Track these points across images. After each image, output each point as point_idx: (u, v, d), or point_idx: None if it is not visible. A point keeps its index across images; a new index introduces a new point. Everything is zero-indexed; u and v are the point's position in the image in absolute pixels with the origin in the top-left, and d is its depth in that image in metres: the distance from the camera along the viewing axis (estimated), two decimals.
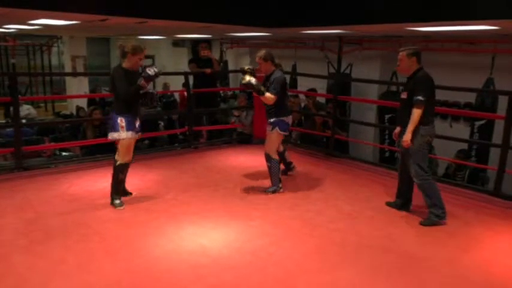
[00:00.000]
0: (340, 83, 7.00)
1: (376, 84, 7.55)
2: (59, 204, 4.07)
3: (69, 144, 6.37)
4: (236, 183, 4.86)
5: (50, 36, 13.40)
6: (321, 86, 7.89)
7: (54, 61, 14.99)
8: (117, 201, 4.02)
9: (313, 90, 7.55)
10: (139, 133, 4.10)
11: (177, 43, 13.21)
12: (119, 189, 4.07)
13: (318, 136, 6.65)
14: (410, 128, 3.69)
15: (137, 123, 4.03)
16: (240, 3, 5.63)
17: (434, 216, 3.81)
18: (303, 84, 8.41)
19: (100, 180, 4.72)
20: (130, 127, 3.91)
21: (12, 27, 9.04)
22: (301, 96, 8.01)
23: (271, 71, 4.53)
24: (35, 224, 3.60)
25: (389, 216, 4.03)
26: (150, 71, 3.86)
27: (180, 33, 9.49)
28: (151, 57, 14.00)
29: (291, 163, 5.25)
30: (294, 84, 8.75)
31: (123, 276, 2.86)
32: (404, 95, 3.84)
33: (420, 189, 3.86)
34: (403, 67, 3.84)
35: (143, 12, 5.20)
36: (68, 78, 13.25)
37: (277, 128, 4.48)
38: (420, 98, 3.62)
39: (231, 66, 11.05)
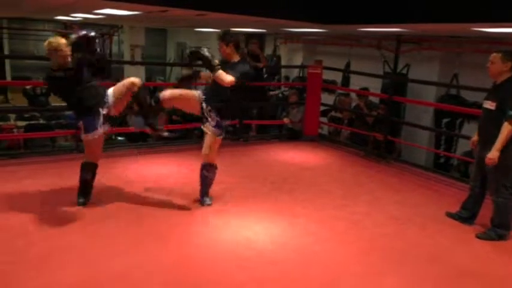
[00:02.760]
0: (396, 83, 6.77)
1: (434, 87, 7.24)
2: (114, 187, 4.26)
3: (121, 129, 6.64)
4: (284, 179, 4.86)
5: (111, 25, 13.99)
6: (374, 85, 7.68)
7: (115, 49, 15.64)
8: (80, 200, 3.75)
9: (366, 89, 7.37)
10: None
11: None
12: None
13: (369, 137, 6.50)
14: (498, 145, 3.34)
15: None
16: None
17: (495, 235, 3.59)
18: (356, 83, 8.22)
19: (152, 166, 4.91)
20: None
21: (79, 16, 9.55)
22: (353, 95, 7.85)
23: (232, 59, 3.70)
24: (91, 204, 3.80)
25: (440, 225, 3.87)
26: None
27: (236, 27, 9.59)
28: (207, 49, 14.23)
29: None
30: (346, 82, 8.59)
31: (170, 260, 2.96)
32: (490, 105, 3.47)
33: (494, 206, 3.61)
34: (493, 71, 3.49)
35: (203, 4, 5.31)
36: (126, 67, 13.79)
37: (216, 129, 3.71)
38: None
39: (283, 62, 11.01)
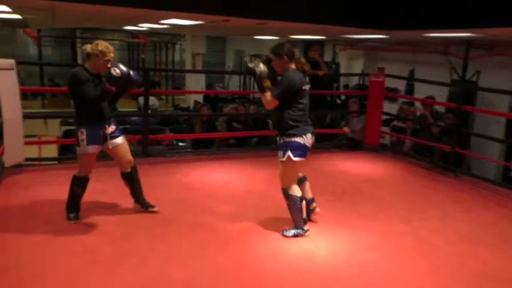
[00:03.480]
0: (466, 92, 6.40)
1: (507, 95, 6.77)
2: (175, 192, 4.39)
3: (185, 136, 6.86)
4: (344, 190, 4.75)
5: (174, 34, 14.57)
6: (441, 93, 7.32)
7: (177, 57, 16.25)
8: (71, 215, 3.56)
9: (431, 98, 7.03)
10: (115, 139, 3.60)
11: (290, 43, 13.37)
12: (74, 204, 3.59)
13: (435, 148, 6.17)
14: None
15: (108, 130, 3.53)
16: (356, 3, 5.47)
17: None
18: (421, 91, 7.89)
19: (211, 173, 4.99)
20: (92, 140, 3.40)
21: (145, 26, 10.03)
22: (417, 104, 7.51)
23: (286, 70, 3.40)
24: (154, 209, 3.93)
25: None
26: (115, 71, 3.25)
27: (295, 34, 9.58)
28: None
29: (312, 201, 3.80)
30: (410, 90, 8.26)
31: (232, 268, 2.98)
32: None
33: None
34: None
35: (264, 13, 5.36)
36: (187, 74, 14.27)
37: (288, 152, 3.36)
38: None
39: (343, 69, 10.83)
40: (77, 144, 3.46)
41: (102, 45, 3.34)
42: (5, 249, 3.07)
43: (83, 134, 3.38)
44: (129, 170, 3.73)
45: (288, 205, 3.48)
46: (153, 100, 10.22)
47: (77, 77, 3.29)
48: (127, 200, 3.96)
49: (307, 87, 3.42)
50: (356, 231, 3.70)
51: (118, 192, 4.22)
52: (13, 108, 4.46)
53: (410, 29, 5.63)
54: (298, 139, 3.36)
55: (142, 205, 3.82)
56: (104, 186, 4.34)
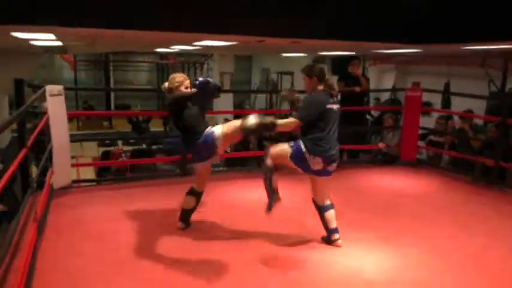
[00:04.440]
0: (506, 104, 6.24)
1: None
2: (216, 209, 4.41)
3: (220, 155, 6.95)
4: (385, 206, 4.68)
5: (202, 54, 14.93)
6: (479, 106, 7.17)
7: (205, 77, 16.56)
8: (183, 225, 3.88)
9: (469, 111, 6.90)
10: None
11: (318, 60, 13.43)
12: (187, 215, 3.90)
13: (476, 162, 6.03)
14: None
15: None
16: (389, 18, 5.47)
17: None
18: (458, 104, 7.75)
19: (247, 191, 5.02)
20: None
21: (177, 48, 10.31)
22: (455, 118, 7.37)
23: (314, 89, 3.53)
24: (199, 224, 3.98)
25: None
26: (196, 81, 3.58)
27: (325, 51, 9.63)
28: (291, 74, 14.50)
29: (335, 231, 3.71)
30: (447, 104, 8.13)
31: (278, 285, 2.98)
32: None
33: None
34: None
35: (298, 33, 5.43)
36: None
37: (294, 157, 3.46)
38: None
39: (372, 85, 10.76)
40: (194, 159, 3.73)
41: (177, 77, 3.74)
42: (66, 269, 3.17)
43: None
44: None
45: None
46: None
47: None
48: (174, 218, 4.04)
49: (333, 107, 3.46)
50: (402, 247, 3.64)
51: (165, 210, 4.32)
52: (62, 133, 4.65)
53: (445, 43, 5.58)
54: (305, 150, 3.40)
55: None
56: (151, 206, 4.45)
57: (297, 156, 3.44)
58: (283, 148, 3.51)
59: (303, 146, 3.41)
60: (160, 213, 4.29)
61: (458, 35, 5.34)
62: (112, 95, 16.66)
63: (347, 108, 6.53)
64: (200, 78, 3.60)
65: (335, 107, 3.48)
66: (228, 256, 3.39)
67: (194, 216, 4.00)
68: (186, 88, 3.68)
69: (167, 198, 4.76)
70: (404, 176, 6.03)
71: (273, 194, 3.45)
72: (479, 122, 7.17)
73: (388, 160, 6.64)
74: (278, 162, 3.54)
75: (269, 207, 3.45)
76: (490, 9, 4.78)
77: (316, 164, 3.41)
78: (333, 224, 3.62)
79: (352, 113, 6.64)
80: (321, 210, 3.62)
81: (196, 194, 3.84)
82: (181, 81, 3.67)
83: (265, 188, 3.49)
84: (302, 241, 3.71)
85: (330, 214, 3.61)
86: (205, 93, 3.56)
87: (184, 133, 3.66)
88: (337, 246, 3.59)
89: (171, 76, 3.81)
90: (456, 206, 4.75)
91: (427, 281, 3.10)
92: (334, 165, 3.51)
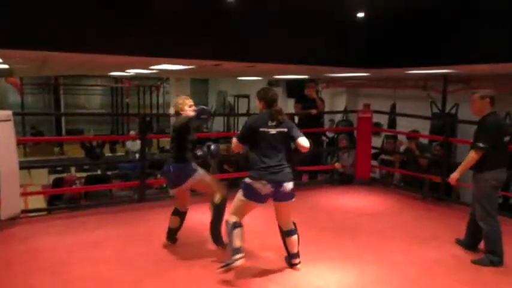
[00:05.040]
0: (448, 124, 6.69)
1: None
2: (180, 236, 4.34)
3: None
4: (343, 225, 4.82)
5: (158, 78, 14.84)
6: (423, 126, 7.61)
7: (161, 100, 16.41)
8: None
9: (415, 131, 7.31)
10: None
11: (272, 83, 13.74)
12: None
13: (424, 179, 6.36)
14: (460, 168, 3.89)
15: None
16: (340, 43, 5.77)
17: (488, 261, 3.78)
18: (403, 124, 8.19)
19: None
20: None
21: (132, 71, 10.20)
22: (400, 138, 7.76)
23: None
24: (162, 252, 3.90)
25: None
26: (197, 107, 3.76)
27: (279, 74, 9.91)
28: (247, 96, 14.71)
29: (295, 256, 3.70)
30: (392, 124, 8.57)
31: None
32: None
33: (483, 233, 3.85)
34: (475, 109, 3.92)
35: (253, 57, 5.58)
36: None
37: (240, 190, 3.51)
38: (480, 144, 3.71)
39: (326, 107, 11.13)
40: (169, 184, 3.97)
41: (180, 99, 3.97)
42: None
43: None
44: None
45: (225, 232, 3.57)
46: (138, 144, 10.30)
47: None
48: (138, 246, 3.92)
49: (271, 131, 3.41)
50: (362, 265, 3.75)
51: (126, 239, 4.18)
52: (10, 160, 4.44)
53: (391, 67, 5.94)
54: (249, 180, 3.41)
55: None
56: (110, 234, 4.30)
57: (247, 190, 3.42)
58: (236, 196, 3.51)
59: (247, 179, 3.43)
60: (118, 241, 4.16)
61: (402, 60, 5.72)
62: (63, 119, 16.05)
63: (305, 130, 6.74)
64: (198, 107, 3.75)
65: (274, 131, 3.41)
66: (194, 276, 3.34)
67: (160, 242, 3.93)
68: (190, 107, 3.87)
69: (125, 225, 4.64)
70: (360, 194, 6.25)
71: (236, 253, 3.35)
72: (424, 141, 7.59)
73: (344, 180, 6.85)
74: (240, 212, 3.51)
75: (227, 265, 3.36)
76: (429, 37, 5.17)
77: (263, 187, 3.35)
78: (295, 249, 3.62)
79: (310, 135, 6.82)
80: (284, 234, 3.63)
81: (179, 214, 4.05)
82: (184, 103, 3.90)
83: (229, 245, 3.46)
84: (266, 260, 3.73)
85: (292, 239, 3.60)
86: (200, 119, 3.69)
87: (178, 156, 3.81)
88: (296, 270, 3.60)
89: (174, 100, 4.05)
90: (409, 222, 4.97)
91: None
92: (287, 187, 3.40)
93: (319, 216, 5.13)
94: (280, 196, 3.45)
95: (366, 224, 4.89)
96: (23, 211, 4.97)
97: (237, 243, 3.38)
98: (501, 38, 4.38)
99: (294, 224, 3.63)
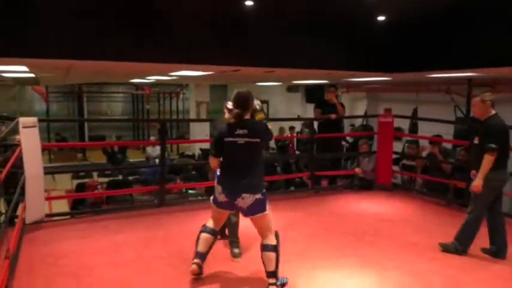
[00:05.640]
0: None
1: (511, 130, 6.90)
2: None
3: (201, 184, 6.89)
4: (364, 231, 4.73)
5: (178, 84, 15.00)
6: (446, 131, 7.46)
7: (180, 106, 16.59)
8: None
9: (438, 136, 7.16)
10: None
11: (291, 88, 13.72)
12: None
13: (449, 185, 6.21)
14: (480, 174, 3.86)
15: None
16: (361, 47, 5.70)
17: (454, 248, 4.04)
18: (425, 129, 8.03)
19: None
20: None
21: (152, 78, 10.35)
22: (422, 142, 7.59)
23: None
24: (180, 256, 3.91)
25: None
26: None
27: (299, 79, 9.87)
28: (266, 102, 14.72)
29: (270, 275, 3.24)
30: (414, 129, 8.42)
31: None
32: (476, 140, 4.07)
33: (464, 222, 4.03)
34: (477, 112, 4.10)
35: (272, 62, 5.57)
36: (192, 123, 14.50)
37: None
38: (492, 145, 3.77)
39: (346, 112, 11.04)
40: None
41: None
42: None
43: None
44: None
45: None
46: (158, 150, 10.41)
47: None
48: (154, 250, 3.94)
49: (237, 140, 3.20)
50: (384, 271, 3.67)
51: (145, 242, 4.22)
52: (35, 165, 4.54)
53: (413, 71, 5.84)
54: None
55: None
56: (131, 238, 4.35)
57: (213, 195, 3.37)
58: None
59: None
60: (139, 245, 4.19)
61: (424, 64, 5.62)
62: (86, 126, 16.40)
63: (325, 135, 6.70)
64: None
65: (241, 140, 3.19)
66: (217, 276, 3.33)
67: (178, 248, 3.93)
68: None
69: (145, 229, 4.67)
70: (381, 200, 6.14)
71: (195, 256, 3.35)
72: (448, 146, 7.43)
73: (364, 185, 6.75)
74: (214, 217, 3.46)
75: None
76: (451, 40, 5.07)
77: (219, 194, 3.26)
78: (269, 267, 3.19)
79: (331, 140, 6.78)
80: (260, 247, 3.28)
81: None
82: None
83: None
84: (284, 266, 3.69)
85: (267, 255, 3.20)
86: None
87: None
88: None
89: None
90: (433, 229, 4.84)
91: None
92: (241, 200, 3.17)
93: (339, 222, 5.06)
94: (241, 210, 3.27)
95: (386, 229, 4.79)
96: (47, 215, 5.08)
97: (199, 247, 3.35)
98: None
99: (276, 240, 3.25)
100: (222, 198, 3.27)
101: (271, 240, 3.22)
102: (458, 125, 7.38)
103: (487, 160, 3.81)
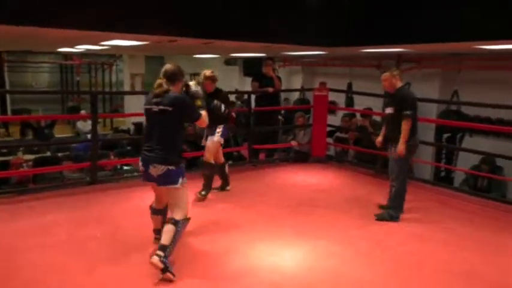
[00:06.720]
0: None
1: (434, 104, 7.41)
2: (134, 218, 4.24)
3: (134, 160, 6.66)
4: (299, 202, 4.90)
5: (111, 55, 14.18)
6: (377, 104, 7.82)
7: (114, 78, 15.77)
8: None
9: (369, 109, 7.50)
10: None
11: (229, 62, 13.55)
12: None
13: (378, 156, 6.56)
14: (402, 139, 4.18)
15: None
16: (297, 22, 5.74)
17: (388, 215, 4.34)
18: (359, 102, 8.37)
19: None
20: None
21: (82, 48, 9.67)
22: (357, 116, 7.95)
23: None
24: (115, 235, 3.81)
25: (464, 240, 3.94)
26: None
27: (237, 52, 9.76)
28: None
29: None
30: (350, 103, 8.74)
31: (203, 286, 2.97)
32: (390, 110, 4.45)
33: (393, 191, 4.38)
34: (387, 86, 4.52)
35: (211, 33, 5.43)
36: (126, 95, 13.90)
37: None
38: (408, 112, 4.15)
39: (283, 86, 11.15)
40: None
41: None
42: None
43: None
44: None
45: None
46: (90, 124, 9.90)
47: None
48: (88, 230, 3.80)
49: (153, 107, 3.17)
50: (316, 240, 3.85)
51: (77, 223, 4.05)
52: None
53: (348, 46, 6.00)
54: None
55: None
56: (61, 219, 4.13)
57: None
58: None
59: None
60: (70, 225, 4.01)
61: (359, 40, 5.79)
62: (8, 98, 15.08)
63: (262, 109, 6.76)
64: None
65: (155, 108, 3.15)
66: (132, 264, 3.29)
67: (113, 227, 3.84)
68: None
69: (77, 209, 4.48)
70: (316, 172, 6.37)
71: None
72: (378, 118, 7.82)
73: (300, 157, 6.95)
74: (155, 195, 3.48)
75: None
76: (384, 16, 5.26)
77: (140, 165, 3.25)
78: (164, 240, 3.07)
79: (267, 113, 6.84)
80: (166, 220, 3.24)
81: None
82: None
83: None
84: (222, 240, 3.74)
85: (167, 228, 3.12)
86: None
87: None
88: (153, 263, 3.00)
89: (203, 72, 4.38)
90: (363, 198, 5.13)
91: (339, 268, 3.33)
92: (153, 168, 3.13)
93: (275, 193, 5.20)
94: (149, 176, 3.21)
95: (321, 200, 5.00)
96: None
97: (154, 225, 3.55)
98: (448, 18, 4.54)
99: (183, 219, 3.17)
100: (141, 168, 3.24)
101: (177, 215, 3.14)
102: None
103: (406, 126, 4.15)
